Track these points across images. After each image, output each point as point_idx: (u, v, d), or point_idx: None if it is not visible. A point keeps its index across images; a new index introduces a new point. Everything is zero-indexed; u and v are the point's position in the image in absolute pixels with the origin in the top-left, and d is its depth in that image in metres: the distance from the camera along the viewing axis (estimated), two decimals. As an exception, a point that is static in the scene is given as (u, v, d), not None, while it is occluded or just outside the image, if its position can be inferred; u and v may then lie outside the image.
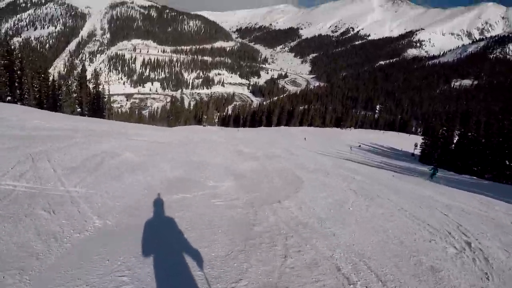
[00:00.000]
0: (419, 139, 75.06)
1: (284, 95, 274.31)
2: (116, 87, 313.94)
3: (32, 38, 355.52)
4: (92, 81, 73.97)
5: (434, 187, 17.86)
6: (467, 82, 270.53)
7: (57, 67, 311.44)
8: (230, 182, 11.65)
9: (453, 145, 58.79)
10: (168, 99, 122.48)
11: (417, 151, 73.66)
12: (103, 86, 78.50)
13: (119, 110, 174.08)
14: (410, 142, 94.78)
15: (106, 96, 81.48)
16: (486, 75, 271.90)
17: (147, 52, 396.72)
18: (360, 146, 70.34)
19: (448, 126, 64.07)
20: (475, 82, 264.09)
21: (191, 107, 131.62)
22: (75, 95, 64.87)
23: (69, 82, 64.11)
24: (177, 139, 22.62)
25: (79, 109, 65.63)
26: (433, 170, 26.68)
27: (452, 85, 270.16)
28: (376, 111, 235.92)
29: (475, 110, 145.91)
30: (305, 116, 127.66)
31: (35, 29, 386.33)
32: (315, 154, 33.06)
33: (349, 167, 22.24)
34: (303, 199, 10.05)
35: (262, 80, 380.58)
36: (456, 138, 58.79)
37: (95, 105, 71.81)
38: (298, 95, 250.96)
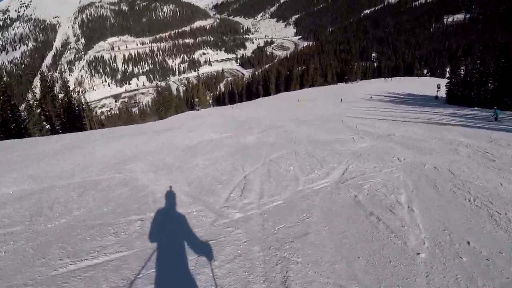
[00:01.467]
0: (430, 80, 66.17)
1: (275, 61, 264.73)
2: (102, 90, 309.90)
3: (6, 63, 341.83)
4: (62, 90, 63.42)
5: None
6: (459, 16, 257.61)
7: (38, 85, 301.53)
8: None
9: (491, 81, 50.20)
10: (167, 90, 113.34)
11: (440, 93, 64.22)
12: (78, 93, 68.17)
13: (109, 113, 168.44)
14: (425, 85, 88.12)
15: (84, 103, 70.97)
16: (477, 7, 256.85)
17: (126, 47, 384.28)
18: (371, 97, 61.50)
19: (483, 60, 54.10)
20: (468, 16, 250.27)
21: (181, 94, 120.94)
22: (38, 110, 53.75)
23: (29, 97, 52.66)
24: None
25: (48, 126, 54.59)
26: (496, 111, 26.15)
27: (446, 22, 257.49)
28: (373, 59, 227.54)
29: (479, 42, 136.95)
30: (305, 77, 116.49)
31: (7, 52, 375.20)
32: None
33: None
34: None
35: (249, 51, 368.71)
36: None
37: (71, 117, 61.15)
38: (290, 58, 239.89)
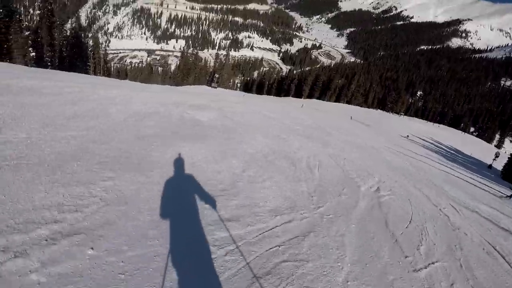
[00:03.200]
0: (477, 141, 54.94)
1: (317, 66, 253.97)
2: (138, 42, 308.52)
3: None
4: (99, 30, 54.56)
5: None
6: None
7: (81, 17, 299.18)
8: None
9: None
10: (193, 58, 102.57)
11: (496, 163, 51.68)
12: (105, 36, 58.71)
13: (137, 65, 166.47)
14: (472, 145, 74.83)
15: (94, 44, 61.72)
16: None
17: (175, 7, 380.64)
18: (408, 136, 51.63)
19: None
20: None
21: (209, 66, 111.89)
22: (27, 33, 43.63)
23: (19, 15, 42.70)
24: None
25: (33, 54, 44.62)
26: None
27: (502, 84, 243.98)
28: (418, 97, 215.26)
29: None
30: (344, 91, 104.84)
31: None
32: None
33: None
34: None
35: (294, 48, 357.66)
36: None
37: (73, 54, 51.58)
38: (333, 68, 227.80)
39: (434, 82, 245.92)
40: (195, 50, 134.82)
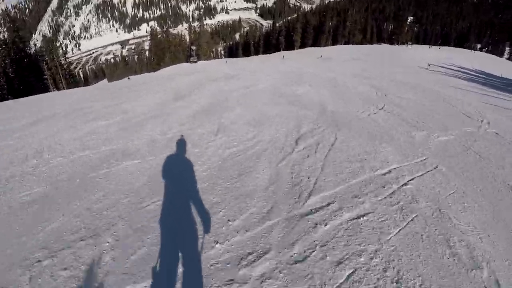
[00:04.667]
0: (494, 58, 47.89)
1: (300, 12, 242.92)
2: (109, 36, 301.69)
3: (10, 8, 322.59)
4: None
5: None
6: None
7: (42, 31, 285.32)
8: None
9: None
10: (165, 36, 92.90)
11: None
12: (73, 41, 48.79)
13: (112, 61, 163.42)
14: (493, 64, 66.71)
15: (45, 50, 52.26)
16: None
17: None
18: (429, 66, 44.77)
19: None
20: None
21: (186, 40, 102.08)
22: None
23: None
24: None
25: None
26: None
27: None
28: (413, 22, 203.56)
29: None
30: (340, 31, 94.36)
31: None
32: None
33: None
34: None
35: (270, 1, 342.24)
36: None
37: (24, 71, 43.46)
38: (316, 12, 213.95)
39: (422, 4, 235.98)
40: (165, 28, 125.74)
